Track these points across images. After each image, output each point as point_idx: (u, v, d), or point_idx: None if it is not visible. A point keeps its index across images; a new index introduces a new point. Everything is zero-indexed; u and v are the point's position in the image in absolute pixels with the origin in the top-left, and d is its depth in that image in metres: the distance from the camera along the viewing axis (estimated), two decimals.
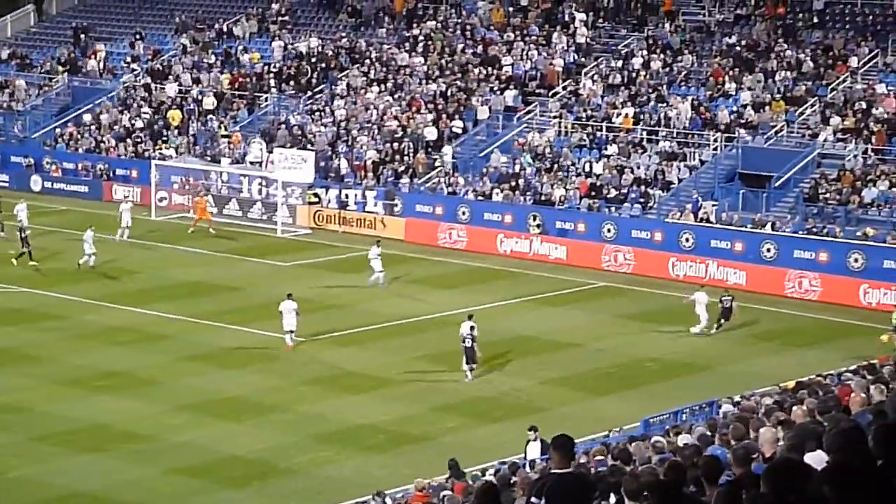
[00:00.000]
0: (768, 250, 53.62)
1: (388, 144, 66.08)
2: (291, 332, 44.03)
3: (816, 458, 12.70)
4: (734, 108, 62.06)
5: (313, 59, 74.37)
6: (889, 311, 46.06)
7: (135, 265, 55.29)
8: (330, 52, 74.57)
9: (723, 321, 46.67)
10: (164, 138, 71.80)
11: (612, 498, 15.91)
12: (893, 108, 59.31)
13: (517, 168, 62.40)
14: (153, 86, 76.07)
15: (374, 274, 51.77)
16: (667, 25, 69.17)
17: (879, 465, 9.89)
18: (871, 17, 66.07)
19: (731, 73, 64.11)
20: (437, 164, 64.38)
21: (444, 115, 66.87)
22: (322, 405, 38.62)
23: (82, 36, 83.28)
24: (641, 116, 63.23)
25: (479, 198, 61.39)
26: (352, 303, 50.34)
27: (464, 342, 41.01)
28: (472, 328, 41.17)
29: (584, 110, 64.95)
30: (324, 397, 39.33)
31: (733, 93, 63.11)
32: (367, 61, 72.91)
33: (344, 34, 76.39)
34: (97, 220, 63.67)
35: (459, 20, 74.24)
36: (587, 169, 61.22)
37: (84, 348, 43.80)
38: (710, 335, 46.33)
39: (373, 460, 34.39)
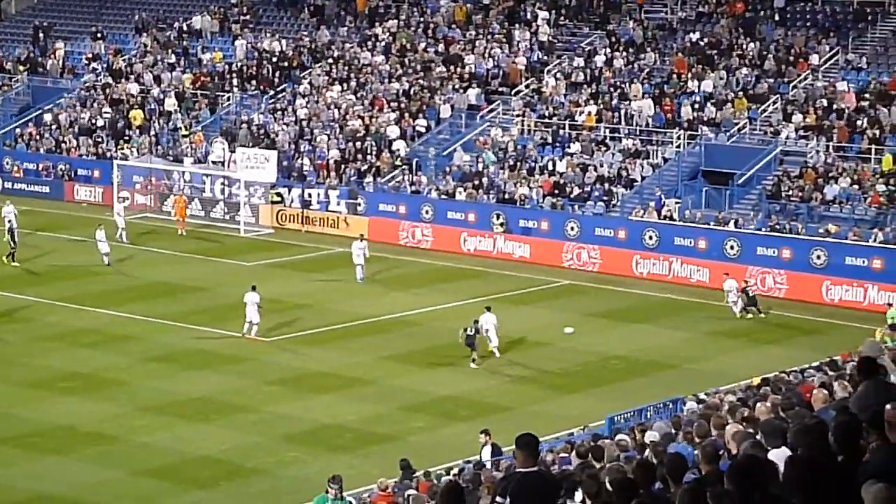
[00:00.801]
0: (731, 248, 53.86)
1: (350, 143, 66.06)
2: (254, 323, 44.65)
3: (781, 455, 12.81)
4: (696, 101, 62.24)
5: (275, 59, 74.25)
6: (883, 311, 46.19)
7: (98, 266, 54.95)
8: (292, 51, 74.48)
9: (752, 307, 48.52)
10: (126, 138, 71.55)
11: (578, 495, 15.98)
12: (854, 105, 59.66)
13: (480, 167, 62.50)
14: (114, 85, 75.77)
15: (358, 268, 52.86)
16: (630, 22, 69.36)
17: (840, 461, 10.02)
18: (831, 15, 66.45)
19: (693, 70, 64.38)
20: (396, 162, 64.39)
21: (406, 114, 66.90)
22: (289, 405, 38.60)
23: (42, 35, 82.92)
24: (604, 114, 63.42)
25: (443, 196, 61.45)
26: (317, 302, 50.31)
27: (467, 330, 42.57)
28: (475, 321, 42.92)
29: (547, 108, 65.09)
30: (290, 397, 39.31)
31: (696, 90, 63.38)
32: (330, 60, 72.87)
33: (306, 33, 76.31)
34: (60, 221, 63.55)
35: (422, 19, 74.27)
36: (550, 167, 61.37)
37: (48, 350, 43.60)
38: (752, 318, 48.32)
39: (340, 460, 34.36)
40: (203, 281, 53.34)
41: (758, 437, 16.53)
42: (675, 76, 64.64)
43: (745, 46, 65.08)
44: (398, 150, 64.85)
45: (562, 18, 72.00)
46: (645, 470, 12.47)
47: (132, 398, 38.99)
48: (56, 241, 59.33)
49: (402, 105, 67.64)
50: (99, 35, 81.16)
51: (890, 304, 46.24)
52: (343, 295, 51.40)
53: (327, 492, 27.12)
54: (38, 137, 73.97)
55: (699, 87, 63.38)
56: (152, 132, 71.52)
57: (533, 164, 61.77)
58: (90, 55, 79.70)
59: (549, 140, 63.25)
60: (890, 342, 40.43)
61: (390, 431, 36.67)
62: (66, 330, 45.78)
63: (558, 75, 67.37)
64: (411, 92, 68.44)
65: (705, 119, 61.44)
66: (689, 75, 64.13)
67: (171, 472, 33.67)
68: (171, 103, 72.98)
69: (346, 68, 71.82)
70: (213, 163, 67.43)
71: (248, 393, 39.65)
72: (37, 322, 47.07)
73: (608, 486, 13.48)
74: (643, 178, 59.70)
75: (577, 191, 59.59)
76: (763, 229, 54.45)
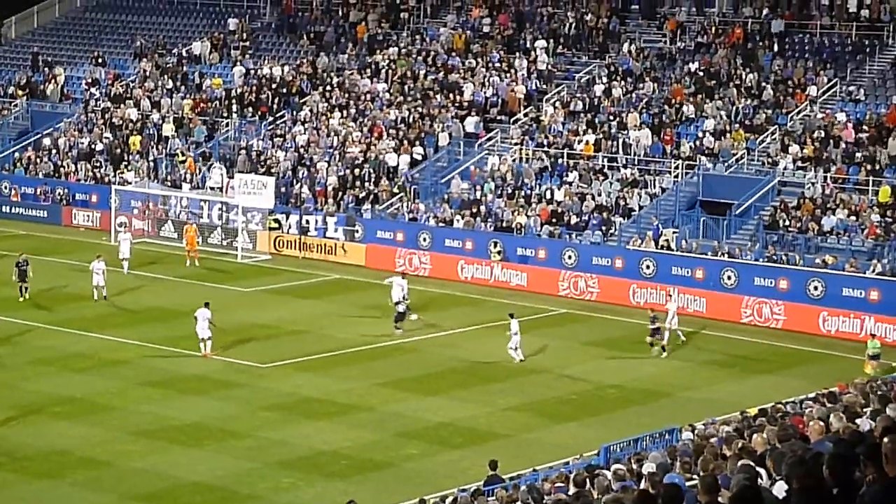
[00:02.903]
0: (728, 278, 53.80)
1: (348, 170, 66.06)
2: (204, 339, 45.21)
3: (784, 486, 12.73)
4: (697, 135, 62.33)
5: (274, 85, 74.32)
6: (881, 343, 46.13)
7: (91, 290, 54.74)
8: (291, 78, 74.53)
9: (658, 339, 47.34)
10: (126, 163, 71.57)
11: None
12: (852, 137, 59.69)
13: (478, 194, 62.50)
14: (113, 110, 75.81)
15: (400, 305, 50.50)
16: (630, 50, 69.39)
17: (835, 493, 9.96)
18: (829, 47, 66.54)
19: (691, 99, 64.44)
20: (395, 189, 64.35)
21: (405, 142, 66.91)
22: (284, 431, 38.46)
23: (41, 60, 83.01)
24: (602, 143, 63.45)
25: (440, 224, 61.41)
26: (312, 329, 50.22)
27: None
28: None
29: (546, 137, 65.11)
30: (285, 423, 39.16)
31: (694, 119, 63.45)
32: (329, 87, 72.92)
33: (305, 59, 76.38)
34: (57, 245, 63.50)
35: (421, 46, 74.37)
36: (548, 196, 61.36)
37: (41, 374, 43.46)
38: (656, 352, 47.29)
39: (335, 487, 34.23)
40: (199, 306, 53.06)
41: (763, 467, 16.48)
42: (673, 106, 64.68)
43: (743, 77, 65.17)
44: (402, 175, 64.80)
45: (560, 47, 72.09)
46: (645, 501, 12.42)
47: (125, 423, 38.83)
48: (53, 265, 59.20)
49: (401, 132, 67.67)
50: (99, 60, 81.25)
51: (872, 335, 46.31)
52: (339, 321, 51.30)
53: None
54: (36, 162, 73.96)
55: (697, 117, 63.43)
56: (150, 157, 71.53)
57: (530, 193, 61.76)
58: (89, 80, 79.78)
59: (548, 168, 63.27)
60: (872, 373, 40.68)
61: (385, 458, 36.52)
62: (60, 354, 45.63)
63: (557, 104, 67.44)
64: (410, 119, 68.49)
65: (703, 149, 61.46)
66: (687, 105, 64.17)
67: (164, 498, 33.48)
68: (169, 129, 73.00)
69: (346, 95, 71.88)
70: (211, 188, 67.42)
71: (243, 418, 39.50)
72: (31, 346, 46.94)
73: None
74: (641, 208, 59.69)
75: (574, 219, 59.57)
76: (760, 260, 54.41)
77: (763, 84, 64.46)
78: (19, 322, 49.94)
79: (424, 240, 60.70)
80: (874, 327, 49.30)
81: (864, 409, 22.71)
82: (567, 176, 62.25)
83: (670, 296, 50.88)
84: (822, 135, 60.10)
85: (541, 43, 71.44)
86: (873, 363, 43.87)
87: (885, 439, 10.22)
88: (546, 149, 64.45)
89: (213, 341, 45.54)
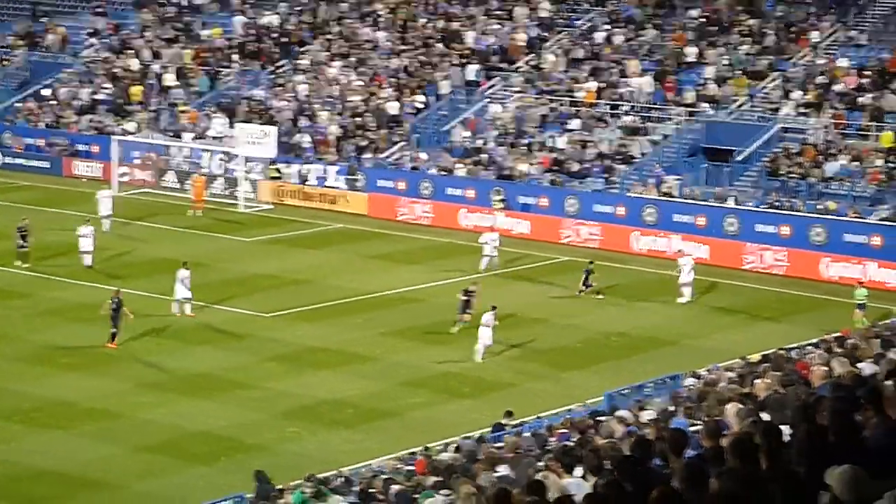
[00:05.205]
0: (730, 224, 53.89)
1: (350, 119, 66.00)
2: (185, 299, 44.89)
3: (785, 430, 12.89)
4: (699, 82, 62.22)
5: (275, 34, 74.12)
6: (882, 288, 46.19)
7: (98, 241, 54.78)
8: (292, 27, 74.33)
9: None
10: (125, 113, 71.43)
11: (578, 471, 16.10)
12: (855, 82, 59.58)
13: (480, 143, 62.49)
14: (114, 60, 75.62)
15: (485, 258, 50.80)
16: None
17: (838, 436, 10.11)
18: None
19: (693, 46, 64.24)
20: (395, 139, 64.29)
21: (406, 90, 66.80)
22: (289, 381, 38.70)
23: (41, 10, 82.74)
24: (604, 91, 63.35)
25: (442, 173, 61.43)
26: (316, 278, 50.36)
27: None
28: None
29: (547, 84, 65.01)
30: (290, 373, 39.40)
31: (696, 66, 63.31)
32: (330, 35, 72.74)
33: (306, 8, 76.09)
34: (59, 197, 63.53)
35: None
36: (550, 143, 61.35)
37: (49, 325, 43.67)
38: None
39: (340, 435, 34.53)
40: (202, 257, 53.11)
41: (763, 412, 16.66)
42: (674, 53, 64.51)
43: (745, 23, 64.97)
44: (398, 127, 64.75)
45: None
46: (643, 447, 12.59)
47: (133, 374, 39.07)
48: (55, 216, 59.27)
49: (402, 81, 67.54)
50: (99, 10, 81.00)
51: (860, 283, 46.00)
52: (342, 271, 51.42)
53: (303, 491, 26.77)
54: (37, 113, 73.83)
55: (699, 63, 63.29)
56: (152, 108, 71.42)
57: (532, 141, 61.75)
58: (90, 30, 79.56)
59: (549, 116, 63.20)
60: (860, 323, 40.82)
61: (390, 407, 36.77)
62: (66, 305, 45.81)
63: (558, 51, 67.29)
64: (411, 68, 68.35)
65: (705, 96, 61.38)
66: (689, 52, 63.99)
67: (172, 448, 33.78)
68: (170, 79, 72.84)
69: (347, 44, 71.70)
70: (213, 138, 67.34)
71: (249, 369, 39.74)
72: (37, 298, 47.09)
73: (609, 462, 13.60)
74: (643, 155, 59.70)
75: (576, 167, 59.58)
76: (762, 206, 54.47)
77: (765, 30, 64.28)
78: (23, 273, 50.05)
79: (426, 188, 60.71)
80: (877, 273, 49.45)
81: (866, 354, 22.90)
82: (569, 123, 62.20)
83: (681, 251, 50.85)
84: (825, 80, 60.00)
85: None
86: (860, 312, 43.81)
87: (889, 382, 10.36)
88: (548, 96, 64.38)
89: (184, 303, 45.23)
